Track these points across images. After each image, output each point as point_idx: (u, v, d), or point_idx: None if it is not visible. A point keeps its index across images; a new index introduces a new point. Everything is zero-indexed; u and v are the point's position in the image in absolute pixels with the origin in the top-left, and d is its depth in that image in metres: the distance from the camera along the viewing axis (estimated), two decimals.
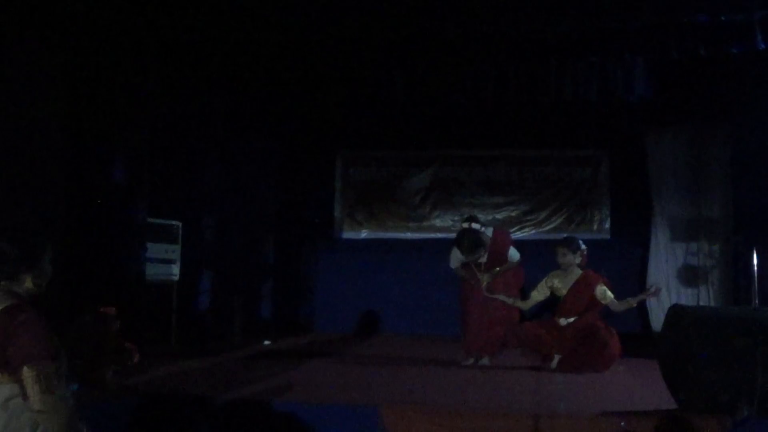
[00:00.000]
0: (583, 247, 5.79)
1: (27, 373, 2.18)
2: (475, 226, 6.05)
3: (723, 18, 5.77)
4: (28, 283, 2.43)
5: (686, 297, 7.80)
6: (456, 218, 8.82)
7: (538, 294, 5.83)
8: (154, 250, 6.39)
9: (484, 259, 5.99)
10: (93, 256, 5.76)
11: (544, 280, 5.83)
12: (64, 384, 2.31)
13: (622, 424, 3.60)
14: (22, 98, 5.23)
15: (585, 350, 5.48)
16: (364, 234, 8.97)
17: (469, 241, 5.90)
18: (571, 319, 5.64)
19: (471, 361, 5.92)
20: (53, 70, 5.53)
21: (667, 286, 8.01)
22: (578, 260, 5.71)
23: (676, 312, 4.11)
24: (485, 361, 5.91)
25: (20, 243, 2.44)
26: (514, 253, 6.07)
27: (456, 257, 6.15)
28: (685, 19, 5.84)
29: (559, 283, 5.74)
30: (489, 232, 6.11)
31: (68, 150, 5.70)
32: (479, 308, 5.92)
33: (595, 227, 8.57)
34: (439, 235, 8.78)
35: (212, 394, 4.34)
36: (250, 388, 4.65)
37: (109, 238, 5.87)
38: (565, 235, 7.83)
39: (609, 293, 5.57)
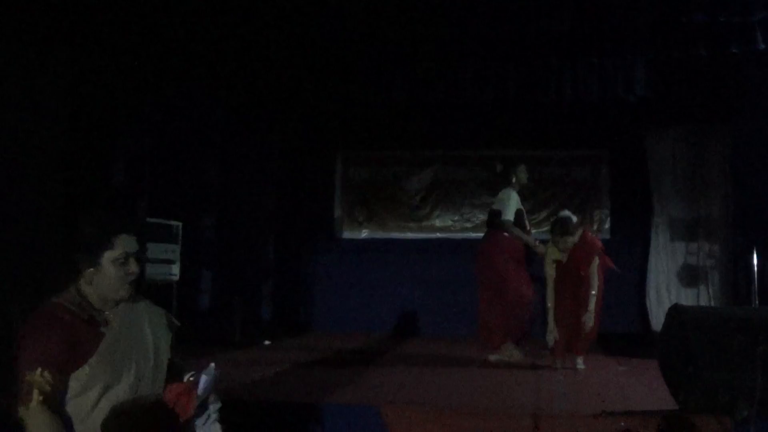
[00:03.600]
0: (575, 219, 5.73)
1: (22, 380, 2.05)
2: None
3: (723, 18, 5.77)
4: (84, 282, 2.19)
5: (686, 297, 7.81)
6: (456, 218, 8.84)
7: (551, 270, 5.68)
8: (154, 250, 6.39)
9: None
10: None
11: (548, 259, 5.67)
12: (92, 403, 2.09)
13: (622, 424, 3.60)
14: (22, 98, 5.23)
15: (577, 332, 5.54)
16: (364, 234, 8.97)
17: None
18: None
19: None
20: (53, 70, 5.53)
21: (667, 286, 8.02)
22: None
23: (676, 312, 4.10)
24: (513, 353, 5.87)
25: (78, 237, 2.20)
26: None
27: (514, 200, 5.97)
28: (685, 19, 5.84)
29: (559, 255, 5.69)
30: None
31: (68, 150, 5.70)
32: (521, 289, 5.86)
33: (595, 227, 8.57)
34: (439, 235, 8.79)
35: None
36: (250, 388, 4.64)
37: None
38: None
39: (595, 277, 5.54)
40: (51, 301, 2.15)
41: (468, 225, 8.79)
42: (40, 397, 2.01)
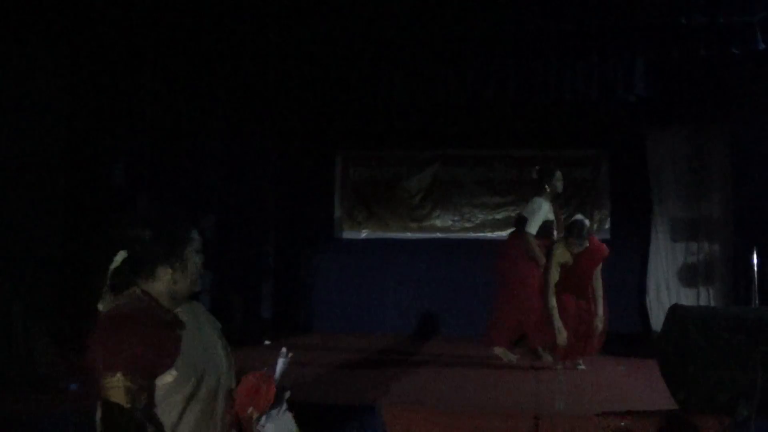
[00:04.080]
0: (588, 223, 5.70)
1: (101, 386, 1.86)
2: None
3: (723, 18, 5.77)
4: (163, 280, 2.03)
5: (686, 297, 7.80)
6: (456, 218, 8.84)
7: (556, 273, 5.61)
8: None
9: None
10: (93, 257, 5.76)
11: (555, 262, 5.57)
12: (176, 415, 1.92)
13: (622, 424, 3.60)
14: (22, 98, 5.23)
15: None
16: (364, 234, 8.97)
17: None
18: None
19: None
20: (53, 70, 5.54)
21: (667, 286, 8.01)
22: None
23: (676, 312, 4.11)
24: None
25: (155, 229, 2.05)
26: None
27: (543, 212, 5.93)
28: (685, 20, 5.84)
29: (568, 258, 5.62)
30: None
31: (68, 150, 5.71)
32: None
33: (595, 227, 8.55)
34: (439, 235, 8.78)
35: None
36: None
37: (109, 239, 5.87)
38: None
39: (600, 281, 5.60)
40: (121, 302, 2.00)
41: (468, 225, 8.78)
42: (128, 405, 1.86)
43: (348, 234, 8.99)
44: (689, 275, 7.97)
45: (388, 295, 8.51)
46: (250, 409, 2.07)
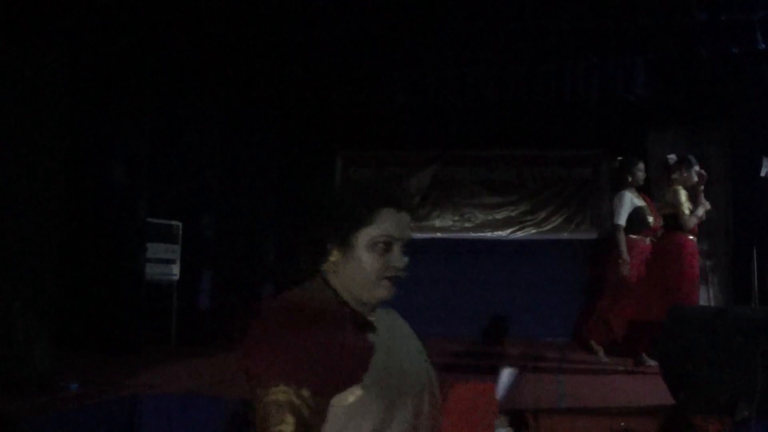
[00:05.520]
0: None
1: (256, 399, 1.41)
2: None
3: (723, 18, 5.77)
4: (334, 266, 1.54)
5: None
6: (456, 218, 8.84)
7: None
8: (154, 250, 6.38)
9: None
10: (93, 256, 5.77)
11: (683, 197, 5.76)
12: None
13: (622, 423, 3.60)
14: (23, 98, 5.23)
15: None
16: None
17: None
18: None
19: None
20: (53, 70, 5.53)
21: None
22: None
23: (676, 312, 4.10)
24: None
25: (335, 198, 1.55)
26: None
27: (627, 203, 5.88)
28: (685, 19, 5.84)
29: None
30: None
31: (68, 150, 5.71)
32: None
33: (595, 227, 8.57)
34: (439, 235, 8.79)
35: (213, 393, 4.34)
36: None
37: (109, 238, 5.88)
38: (565, 234, 7.87)
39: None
40: (295, 292, 1.54)
41: (468, 225, 8.79)
42: (291, 427, 1.36)
43: None
44: None
45: None
46: None
